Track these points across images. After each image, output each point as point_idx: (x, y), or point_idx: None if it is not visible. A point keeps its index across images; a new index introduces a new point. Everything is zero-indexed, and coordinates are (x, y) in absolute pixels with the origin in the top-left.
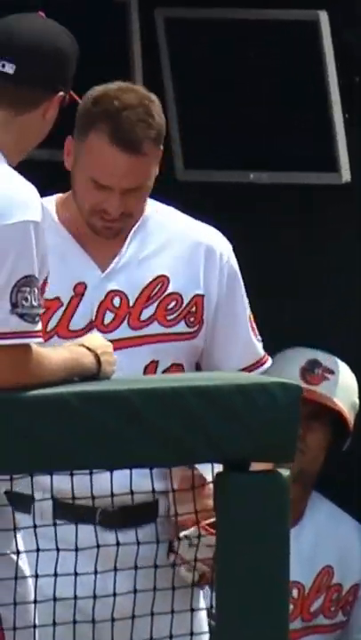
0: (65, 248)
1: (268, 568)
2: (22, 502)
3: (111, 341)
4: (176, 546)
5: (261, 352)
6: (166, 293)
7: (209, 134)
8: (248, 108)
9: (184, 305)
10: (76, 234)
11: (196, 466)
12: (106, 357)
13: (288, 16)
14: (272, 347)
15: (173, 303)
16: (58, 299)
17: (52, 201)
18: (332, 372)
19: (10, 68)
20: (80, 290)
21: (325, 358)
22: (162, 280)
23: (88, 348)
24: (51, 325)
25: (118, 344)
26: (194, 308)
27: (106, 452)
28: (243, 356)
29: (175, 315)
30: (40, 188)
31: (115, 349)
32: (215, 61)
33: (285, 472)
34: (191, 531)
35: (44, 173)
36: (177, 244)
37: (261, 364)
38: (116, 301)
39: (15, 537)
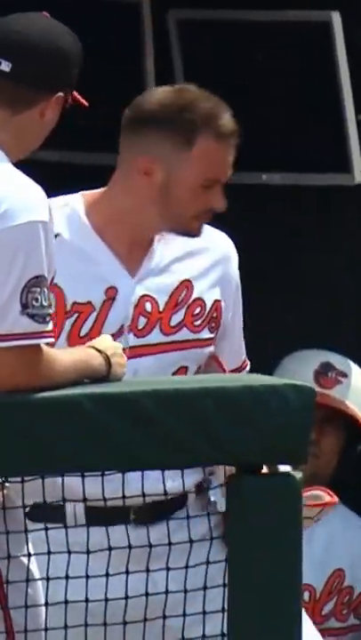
0: (94, 251)
1: (281, 571)
2: (53, 512)
3: (144, 346)
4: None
5: (244, 354)
6: (192, 299)
7: None
8: (259, 110)
9: (207, 311)
10: (104, 237)
11: None
12: (116, 359)
13: (301, 17)
14: (295, 347)
15: (198, 309)
16: (90, 303)
17: (79, 200)
18: (345, 376)
19: (6, 66)
20: (111, 294)
21: (338, 361)
22: (187, 285)
23: (98, 350)
24: (84, 330)
25: (151, 349)
26: (215, 314)
27: (116, 454)
28: (235, 359)
29: (200, 320)
30: (48, 189)
31: (147, 354)
32: (227, 63)
33: (298, 475)
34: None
35: (48, 174)
36: (198, 250)
37: (243, 368)
38: (148, 306)
39: (27, 540)
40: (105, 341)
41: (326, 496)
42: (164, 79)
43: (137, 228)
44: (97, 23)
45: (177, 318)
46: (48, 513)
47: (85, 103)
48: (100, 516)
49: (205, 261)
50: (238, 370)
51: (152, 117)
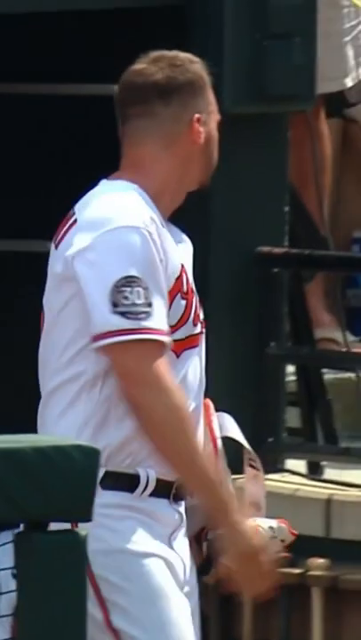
0: (167, 230)
1: (67, 624)
2: (128, 481)
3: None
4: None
5: None
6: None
7: (10, 203)
8: (50, 177)
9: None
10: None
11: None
12: None
13: (88, 90)
14: None
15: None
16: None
17: (135, 187)
18: None
19: None
20: (182, 274)
21: None
22: (185, 270)
23: None
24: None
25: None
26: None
27: None
28: None
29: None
30: None
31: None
32: (18, 135)
33: (83, 531)
34: (276, 525)
35: None
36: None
37: None
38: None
39: None
40: None
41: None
42: None
43: (176, 196)
44: None
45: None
46: (123, 481)
47: None
48: (158, 487)
49: (188, 248)
50: None
51: (187, 82)
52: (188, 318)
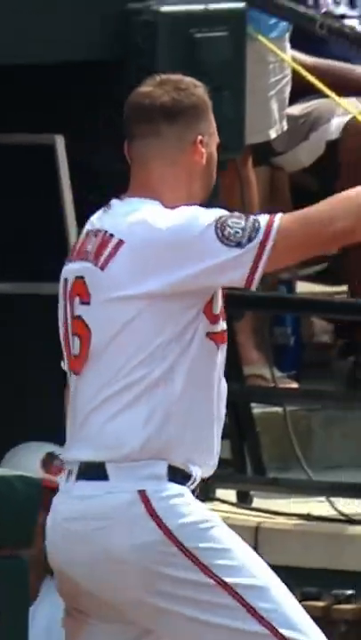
0: None
1: (13, 636)
2: (184, 475)
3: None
4: None
5: None
6: None
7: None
8: None
9: None
10: None
11: None
12: None
13: (26, 139)
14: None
15: None
16: None
17: (156, 204)
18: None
19: None
20: None
21: (59, 451)
22: None
23: None
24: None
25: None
26: None
27: None
28: None
29: None
30: None
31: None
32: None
33: (25, 557)
34: None
35: None
36: None
37: None
38: None
39: None
40: None
41: None
42: None
43: None
44: None
45: None
46: (179, 475)
47: None
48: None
49: None
50: None
51: (192, 105)
52: (222, 314)
